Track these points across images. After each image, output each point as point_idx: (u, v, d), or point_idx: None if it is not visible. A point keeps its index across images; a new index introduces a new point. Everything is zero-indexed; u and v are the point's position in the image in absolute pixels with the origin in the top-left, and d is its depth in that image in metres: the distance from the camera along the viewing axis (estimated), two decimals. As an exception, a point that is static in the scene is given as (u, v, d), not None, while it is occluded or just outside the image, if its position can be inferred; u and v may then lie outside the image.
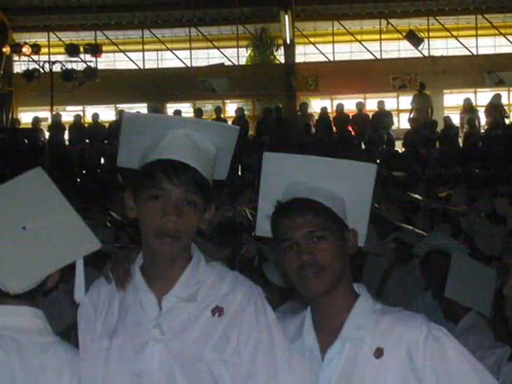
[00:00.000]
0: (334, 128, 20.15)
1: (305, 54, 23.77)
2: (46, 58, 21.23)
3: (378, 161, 15.77)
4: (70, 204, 2.44)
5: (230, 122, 18.02)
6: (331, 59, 23.34)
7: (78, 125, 21.14)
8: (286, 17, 22.10)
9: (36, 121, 21.19)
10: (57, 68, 20.36)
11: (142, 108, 22.12)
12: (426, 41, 22.25)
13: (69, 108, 23.07)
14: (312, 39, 23.59)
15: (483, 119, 20.33)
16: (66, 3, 23.08)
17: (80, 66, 20.74)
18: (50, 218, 2.37)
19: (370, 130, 19.57)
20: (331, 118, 20.69)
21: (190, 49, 23.70)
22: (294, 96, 21.68)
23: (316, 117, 21.05)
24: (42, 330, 2.41)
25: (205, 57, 24.00)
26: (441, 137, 19.29)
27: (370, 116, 20.52)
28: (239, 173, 16.53)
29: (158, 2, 23.00)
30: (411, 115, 20.35)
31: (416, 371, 2.25)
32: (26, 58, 20.95)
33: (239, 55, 23.58)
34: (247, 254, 6.49)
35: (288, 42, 22.30)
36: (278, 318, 2.43)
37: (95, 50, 20.80)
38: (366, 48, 23.30)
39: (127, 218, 2.50)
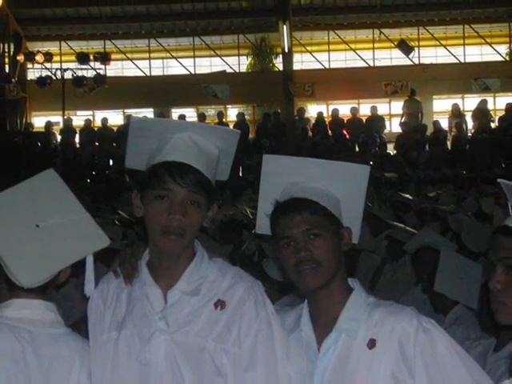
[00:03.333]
0: (330, 132, 20.18)
1: (302, 61, 23.76)
2: (57, 65, 21.25)
3: (371, 162, 15.77)
4: (81, 203, 2.45)
5: (231, 126, 18.01)
6: (327, 67, 23.34)
7: (88, 128, 21.14)
8: (285, 27, 22.07)
9: (48, 125, 21.18)
10: (68, 75, 20.40)
11: (148, 113, 22.10)
12: (416, 49, 22.23)
13: (79, 113, 23.05)
14: (309, 48, 23.59)
15: (470, 123, 20.32)
16: (77, 14, 23.09)
17: (90, 73, 20.78)
18: (61, 216, 2.38)
19: (363, 134, 19.57)
20: (327, 122, 20.71)
21: (194, 57, 23.69)
22: (291, 101, 21.64)
23: (313, 121, 21.05)
24: (54, 322, 2.41)
25: (208, 64, 23.99)
26: (430, 140, 19.30)
27: (364, 120, 20.52)
28: (240, 174, 16.54)
29: (164, 13, 23.03)
30: (402, 119, 20.35)
31: (407, 361, 2.25)
32: (39, 66, 20.97)
33: (240, 63, 23.59)
34: (248, 251, 6.48)
35: (286, 50, 22.27)
36: (277, 310, 2.43)
37: (104, 58, 20.82)
38: (359, 56, 23.29)
39: (134, 216, 2.50)
